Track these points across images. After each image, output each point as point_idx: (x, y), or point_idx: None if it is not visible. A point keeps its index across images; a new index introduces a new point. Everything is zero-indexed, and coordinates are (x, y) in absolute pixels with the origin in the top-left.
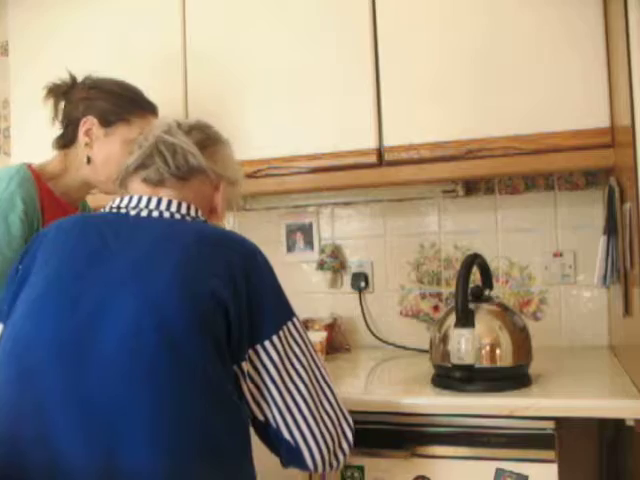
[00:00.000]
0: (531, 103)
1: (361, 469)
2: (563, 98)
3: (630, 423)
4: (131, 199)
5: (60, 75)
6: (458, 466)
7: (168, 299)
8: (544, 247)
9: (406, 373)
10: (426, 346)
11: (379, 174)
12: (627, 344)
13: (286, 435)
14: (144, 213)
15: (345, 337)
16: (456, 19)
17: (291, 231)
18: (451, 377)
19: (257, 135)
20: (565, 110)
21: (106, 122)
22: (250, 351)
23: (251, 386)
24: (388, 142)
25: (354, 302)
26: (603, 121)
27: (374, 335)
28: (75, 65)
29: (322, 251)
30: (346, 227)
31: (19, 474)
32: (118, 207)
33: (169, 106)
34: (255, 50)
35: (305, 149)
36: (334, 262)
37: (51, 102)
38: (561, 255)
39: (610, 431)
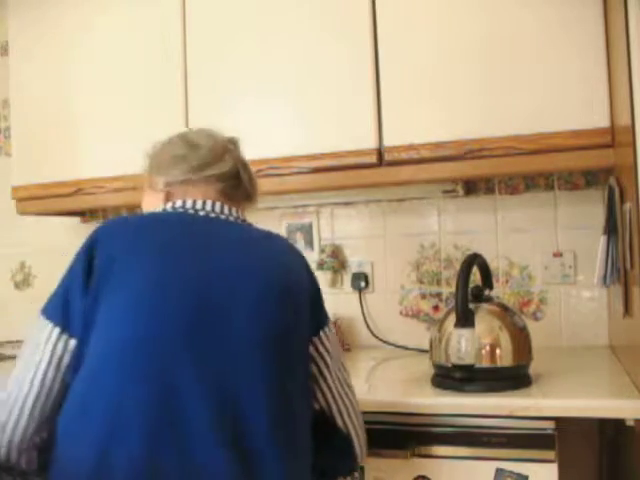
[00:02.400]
0: (531, 103)
1: (361, 469)
2: (563, 98)
3: (630, 423)
4: (193, 202)
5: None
6: (458, 466)
7: (284, 284)
8: (544, 247)
9: (406, 373)
10: (426, 346)
11: (379, 174)
12: (627, 344)
13: (339, 423)
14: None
15: (345, 337)
16: (456, 19)
17: (291, 231)
18: (451, 377)
19: (257, 135)
20: (565, 110)
21: None
22: (314, 338)
23: (314, 370)
24: (388, 142)
25: (354, 302)
26: (603, 121)
27: (374, 335)
28: (75, 65)
29: (322, 251)
30: (346, 227)
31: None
32: (183, 207)
33: (169, 105)
34: (255, 50)
35: (305, 149)
36: (334, 262)
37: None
38: (561, 255)
39: (610, 431)
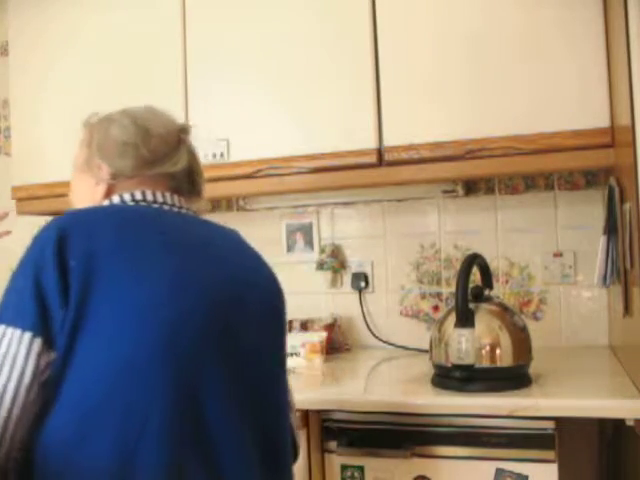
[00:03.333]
0: (531, 103)
1: (361, 469)
2: (563, 98)
3: (630, 423)
4: (153, 194)
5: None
6: (458, 466)
7: (276, 296)
8: (544, 247)
9: (406, 373)
10: (426, 346)
11: (379, 174)
12: (627, 344)
13: (292, 419)
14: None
15: (345, 337)
16: (457, 19)
17: (291, 231)
18: (451, 377)
19: (257, 135)
20: (565, 110)
21: None
22: None
23: None
24: (388, 142)
25: (354, 302)
26: (603, 121)
27: (374, 335)
28: (75, 64)
29: (322, 251)
30: (346, 227)
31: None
32: (144, 200)
33: (168, 103)
34: (255, 50)
35: (305, 149)
36: (334, 262)
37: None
38: (561, 255)
39: (610, 431)
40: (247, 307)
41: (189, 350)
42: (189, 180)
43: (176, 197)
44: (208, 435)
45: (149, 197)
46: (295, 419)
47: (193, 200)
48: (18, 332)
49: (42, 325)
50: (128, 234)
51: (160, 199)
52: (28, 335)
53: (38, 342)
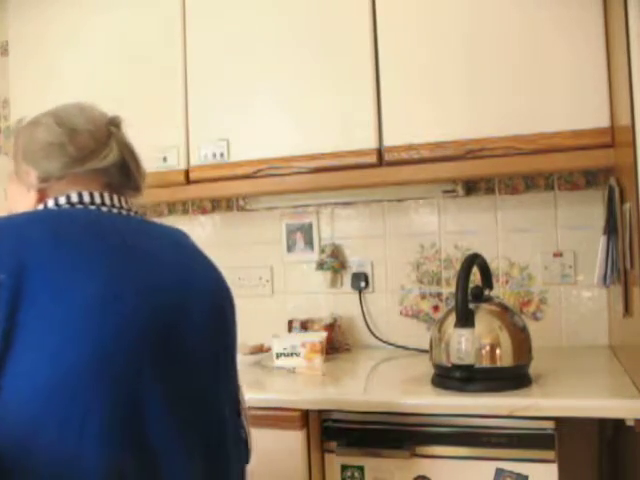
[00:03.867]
0: (531, 103)
1: (361, 469)
2: (563, 98)
3: (630, 423)
4: (90, 195)
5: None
6: (458, 466)
7: (221, 297)
8: (544, 247)
9: (406, 373)
10: (426, 346)
11: (379, 174)
12: (627, 344)
13: (242, 417)
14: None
15: (345, 337)
16: (457, 20)
17: (291, 231)
18: (451, 377)
19: (257, 135)
20: (565, 110)
21: None
22: None
23: None
24: (388, 142)
25: (354, 302)
26: (603, 121)
27: (374, 335)
28: (75, 64)
29: (322, 251)
30: (346, 227)
31: None
32: (81, 202)
33: (168, 102)
34: (255, 49)
35: (305, 149)
36: (334, 262)
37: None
38: (561, 255)
39: (610, 431)
40: (190, 311)
41: (126, 362)
42: (123, 173)
43: (115, 197)
44: (149, 444)
45: (86, 198)
46: (247, 419)
47: (130, 195)
48: None
49: None
50: (63, 242)
51: (98, 200)
52: None
53: None
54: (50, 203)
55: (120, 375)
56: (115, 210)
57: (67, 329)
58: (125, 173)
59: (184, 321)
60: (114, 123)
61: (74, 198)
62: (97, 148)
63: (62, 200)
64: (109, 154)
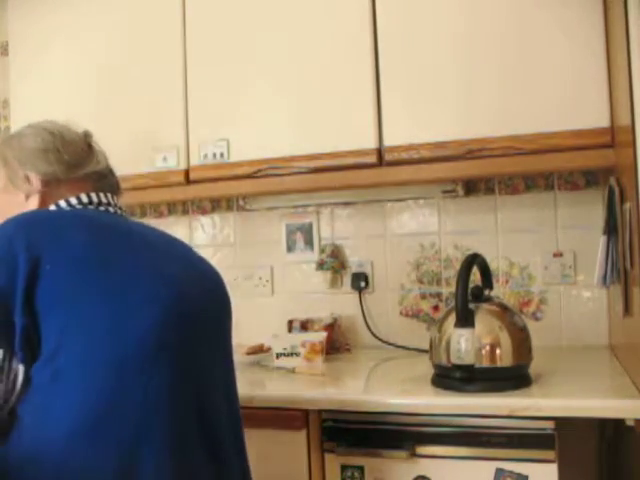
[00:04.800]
0: (531, 103)
1: (361, 469)
2: (563, 98)
3: (630, 423)
4: (98, 196)
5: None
6: (458, 466)
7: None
8: (544, 247)
9: (406, 373)
10: (426, 346)
11: (379, 174)
12: (627, 344)
13: None
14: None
15: (345, 337)
16: (456, 19)
17: (291, 231)
18: (451, 377)
19: (257, 135)
20: (565, 110)
21: None
22: None
23: None
24: (388, 142)
25: (354, 302)
26: (603, 121)
27: (374, 335)
28: (75, 65)
29: (322, 251)
30: (346, 227)
31: None
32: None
33: (168, 103)
34: (255, 50)
35: (305, 149)
36: (334, 262)
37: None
38: (561, 255)
39: (610, 431)
40: (208, 297)
41: (188, 346)
42: (111, 176)
43: (109, 195)
44: (210, 428)
45: (94, 199)
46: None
47: (119, 196)
48: None
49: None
50: (97, 238)
51: (104, 199)
52: None
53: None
54: (62, 204)
55: (181, 361)
56: (119, 211)
57: (113, 319)
58: (111, 177)
59: (208, 306)
60: (89, 135)
61: (84, 199)
62: (87, 155)
63: (74, 201)
64: (100, 160)
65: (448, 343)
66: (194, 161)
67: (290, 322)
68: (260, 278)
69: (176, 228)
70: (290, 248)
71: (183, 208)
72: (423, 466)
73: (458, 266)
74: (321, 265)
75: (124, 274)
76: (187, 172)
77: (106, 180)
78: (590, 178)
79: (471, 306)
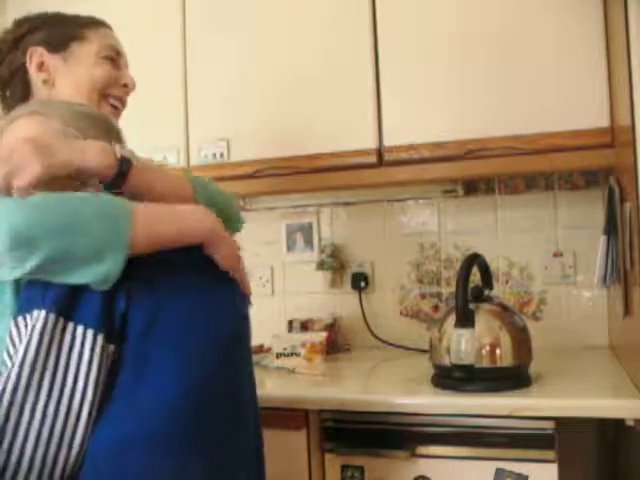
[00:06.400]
0: (531, 103)
1: (361, 469)
2: (563, 98)
3: (630, 423)
4: None
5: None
6: (458, 466)
7: None
8: (544, 247)
9: (406, 373)
10: (426, 346)
11: (379, 174)
12: (627, 344)
13: None
14: None
15: (345, 337)
16: (456, 19)
17: (291, 231)
18: (451, 377)
19: (257, 135)
20: (565, 110)
21: (56, 47)
22: None
23: None
24: (388, 142)
25: (354, 302)
26: (603, 121)
27: (374, 335)
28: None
29: (322, 251)
30: (346, 227)
31: None
32: None
33: (168, 102)
34: (255, 49)
35: (305, 149)
36: (334, 262)
37: None
38: (561, 255)
39: (610, 431)
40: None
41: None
42: None
43: None
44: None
45: None
46: None
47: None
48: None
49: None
50: None
51: None
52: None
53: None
54: None
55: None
56: None
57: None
58: None
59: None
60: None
61: None
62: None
63: None
64: None
65: (448, 343)
66: (194, 161)
67: (290, 322)
68: (260, 278)
69: None
70: (290, 248)
71: None
72: (423, 466)
73: (458, 266)
74: (321, 265)
75: None
76: None
77: None
78: (590, 178)
79: (471, 306)
